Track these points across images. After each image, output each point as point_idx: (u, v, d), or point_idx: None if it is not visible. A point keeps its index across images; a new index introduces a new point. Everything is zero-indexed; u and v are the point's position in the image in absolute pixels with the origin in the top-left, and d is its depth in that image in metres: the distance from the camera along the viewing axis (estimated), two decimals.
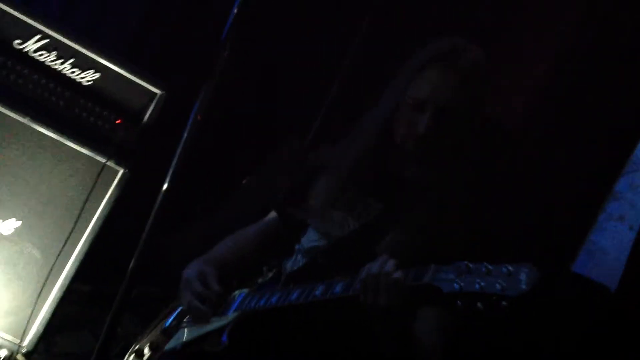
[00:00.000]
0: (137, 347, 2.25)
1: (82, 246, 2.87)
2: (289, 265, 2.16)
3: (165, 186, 1.56)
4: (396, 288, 1.65)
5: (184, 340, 2.10)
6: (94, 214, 2.88)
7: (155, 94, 2.95)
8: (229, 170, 4.05)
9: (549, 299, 2.30)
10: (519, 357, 2.86)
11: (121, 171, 2.90)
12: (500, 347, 2.78)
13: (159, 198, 1.56)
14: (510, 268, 1.47)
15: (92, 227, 2.88)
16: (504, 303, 1.46)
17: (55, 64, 2.84)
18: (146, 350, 2.19)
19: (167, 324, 2.22)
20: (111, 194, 2.89)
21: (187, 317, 2.18)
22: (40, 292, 2.80)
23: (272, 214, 2.43)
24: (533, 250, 3.40)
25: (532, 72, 3.62)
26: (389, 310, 1.67)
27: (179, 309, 2.24)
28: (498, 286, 1.46)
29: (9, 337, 2.82)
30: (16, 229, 2.81)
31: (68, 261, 2.86)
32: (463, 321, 1.89)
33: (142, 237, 1.57)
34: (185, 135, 1.56)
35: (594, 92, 3.60)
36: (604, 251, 3.37)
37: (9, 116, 2.77)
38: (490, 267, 1.50)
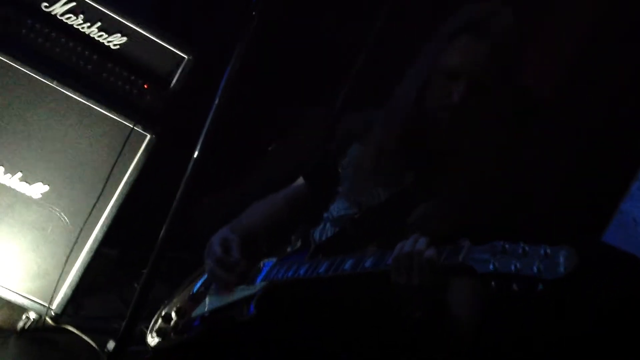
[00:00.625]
0: (164, 311, 2.25)
1: (109, 211, 2.88)
2: (318, 234, 2.13)
3: (195, 154, 1.52)
4: (429, 267, 1.61)
5: (211, 307, 2.09)
6: (122, 179, 2.88)
7: (183, 58, 2.93)
8: (256, 137, 4.03)
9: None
10: (549, 327, 2.84)
11: (148, 136, 2.89)
12: (530, 318, 2.76)
13: (190, 166, 1.52)
14: (549, 250, 1.41)
15: (120, 192, 2.88)
16: (540, 286, 1.40)
17: (83, 27, 2.82)
18: (173, 315, 2.19)
19: (195, 289, 2.22)
20: (138, 159, 2.88)
21: (215, 284, 2.18)
22: (68, 256, 2.82)
23: (300, 181, 2.40)
24: (563, 221, 3.36)
25: (564, 43, 3.55)
26: (422, 288, 1.63)
27: (206, 276, 2.24)
28: (535, 268, 1.39)
29: (38, 300, 2.85)
30: (44, 193, 2.82)
31: (96, 225, 2.87)
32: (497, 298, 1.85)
33: (173, 205, 1.53)
34: (217, 101, 1.52)
35: (628, 59, 3.53)
36: (635, 221, 3.31)
37: (37, 79, 2.76)
38: (527, 248, 1.44)
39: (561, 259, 1.38)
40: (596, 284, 2.89)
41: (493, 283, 1.48)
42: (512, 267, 1.43)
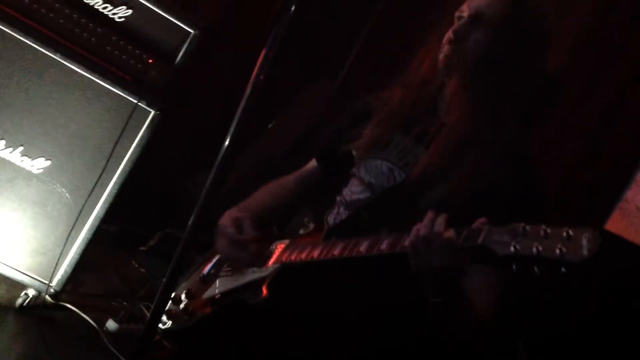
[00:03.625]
0: (174, 293, 2.21)
1: (111, 188, 2.82)
2: (331, 217, 2.10)
3: (227, 143, 1.46)
4: (449, 249, 1.57)
5: (222, 289, 2.06)
6: (125, 155, 2.82)
7: (189, 33, 2.86)
8: (260, 111, 3.98)
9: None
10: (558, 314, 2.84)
11: (152, 112, 2.82)
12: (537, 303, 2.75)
13: (221, 155, 1.46)
14: (571, 232, 1.38)
15: (122, 168, 2.82)
16: (563, 269, 1.37)
17: None
18: (183, 297, 2.15)
19: (207, 272, 2.18)
20: (142, 136, 2.82)
21: (226, 266, 2.14)
22: (69, 233, 2.76)
23: (313, 163, 2.35)
24: (566, 209, 3.35)
25: (576, 20, 3.52)
26: (441, 271, 1.60)
27: (217, 257, 2.20)
28: (558, 251, 1.36)
29: (37, 277, 2.80)
30: (45, 168, 2.76)
31: (98, 202, 2.82)
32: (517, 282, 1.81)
33: (203, 195, 1.47)
34: (249, 91, 1.46)
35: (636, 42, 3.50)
36: (639, 209, 3.31)
37: (40, 52, 2.69)
38: (549, 230, 1.40)
39: (584, 242, 1.35)
40: (598, 274, 2.88)
41: (514, 266, 1.45)
42: (534, 250, 1.39)
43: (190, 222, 1.49)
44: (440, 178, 1.92)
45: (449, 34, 1.98)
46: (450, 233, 1.56)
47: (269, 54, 1.48)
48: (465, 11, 1.99)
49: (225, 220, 2.13)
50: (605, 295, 2.94)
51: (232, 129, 1.47)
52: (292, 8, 1.47)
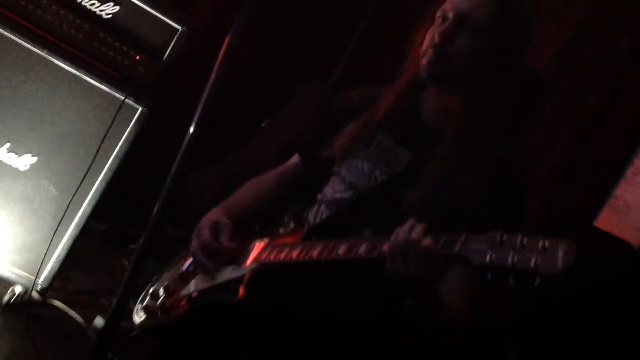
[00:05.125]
0: (152, 289, 2.20)
1: (99, 184, 2.81)
2: (312, 215, 2.08)
3: (191, 129, 1.46)
4: (426, 257, 1.55)
5: (200, 287, 2.04)
6: (112, 152, 2.81)
7: (177, 29, 2.86)
8: (249, 112, 3.98)
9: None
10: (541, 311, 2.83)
11: (140, 109, 2.82)
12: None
13: (185, 142, 1.47)
14: (547, 243, 1.37)
15: (110, 165, 2.81)
16: (537, 281, 1.36)
17: None
18: (161, 293, 2.14)
19: (185, 268, 2.17)
20: (129, 132, 2.82)
21: None
22: (56, 230, 2.75)
23: (295, 158, 2.34)
24: (557, 206, 3.35)
25: (564, 25, 3.53)
26: (419, 277, 1.59)
27: None
28: (533, 262, 1.35)
29: (24, 274, 2.79)
30: (32, 165, 2.76)
31: (85, 199, 2.81)
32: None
33: (166, 183, 1.48)
34: (214, 76, 1.46)
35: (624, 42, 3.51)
36: (628, 206, 3.31)
37: (27, 48, 2.69)
38: (525, 240, 1.40)
39: (560, 253, 1.34)
40: (588, 269, 2.87)
41: (489, 275, 1.44)
42: (509, 260, 1.38)
43: (152, 216, 1.48)
44: (422, 177, 1.92)
45: (434, 37, 1.91)
46: (428, 241, 1.55)
47: (232, 42, 1.48)
48: (449, 11, 1.92)
49: (206, 221, 2.12)
50: (596, 289, 2.94)
51: (195, 119, 1.47)
52: None
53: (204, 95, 1.53)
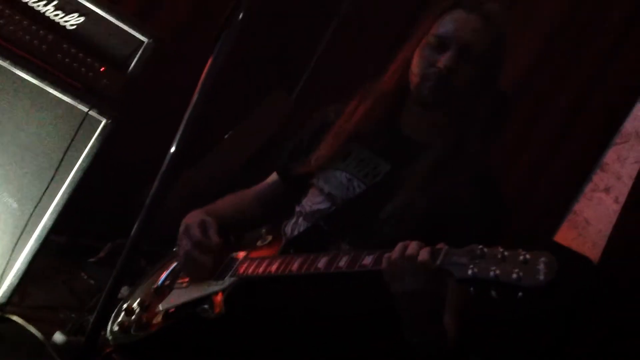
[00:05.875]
0: (126, 304, 2.16)
1: (60, 198, 2.76)
2: (289, 227, 2.09)
3: (173, 149, 1.45)
4: (424, 268, 1.56)
5: (177, 302, 2.01)
6: (74, 164, 2.76)
7: (142, 42, 2.83)
8: (214, 123, 3.95)
9: None
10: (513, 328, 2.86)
11: (104, 121, 2.77)
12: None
13: (167, 161, 1.45)
14: (528, 256, 1.39)
15: (72, 178, 2.76)
16: (520, 294, 1.38)
17: (38, 5, 2.69)
18: (136, 308, 2.11)
19: (161, 282, 2.14)
20: (92, 145, 2.77)
21: (181, 276, 2.10)
22: (16, 244, 2.69)
23: (274, 176, 2.35)
24: (517, 221, 3.39)
25: (537, 32, 3.59)
26: (410, 293, 1.60)
27: (172, 268, 2.17)
28: (514, 275, 1.37)
29: None
30: None
31: (46, 212, 2.75)
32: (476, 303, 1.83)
33: (146, 202, 1.46)
34: (197, 97, 1.45)
35: (585, 63, 3.58)
36: (587, 222, 3.37)
37: None
38: (506, 253, 1.42)
39: (541, 266, 1.36)
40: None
41: (472, 289, 1.46)
42: (492, 274, 1.41)
43: (133, 231, 1.46)
44: (401, 187, 1.94)
45: (436, 64, 1.96)
46: (425, 255, 1.56)
47: (217, 61, 1.47)
48: (449, 39, 1.97)
49: (192, 220, 2.10)
50: (555, 307, 2.98)
51: (177, 137, 1.46)
52: (241, 15, 1.46)
53: (187, 115, 1.51)
